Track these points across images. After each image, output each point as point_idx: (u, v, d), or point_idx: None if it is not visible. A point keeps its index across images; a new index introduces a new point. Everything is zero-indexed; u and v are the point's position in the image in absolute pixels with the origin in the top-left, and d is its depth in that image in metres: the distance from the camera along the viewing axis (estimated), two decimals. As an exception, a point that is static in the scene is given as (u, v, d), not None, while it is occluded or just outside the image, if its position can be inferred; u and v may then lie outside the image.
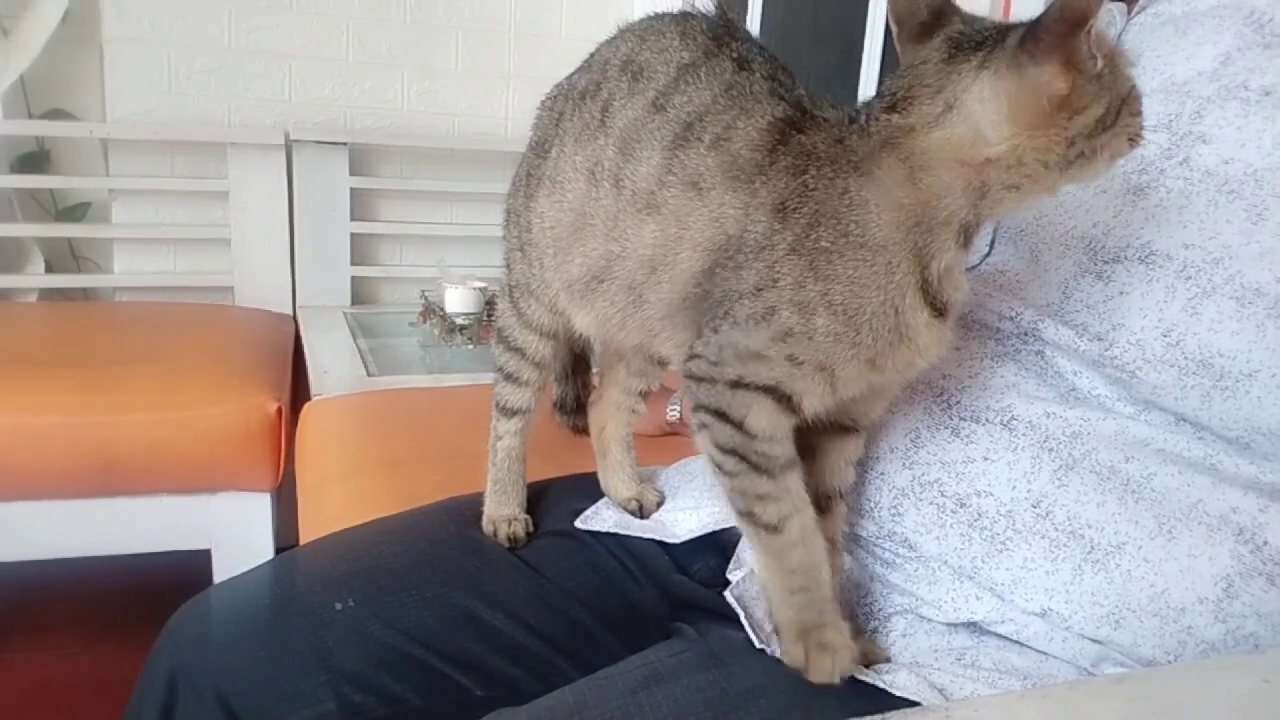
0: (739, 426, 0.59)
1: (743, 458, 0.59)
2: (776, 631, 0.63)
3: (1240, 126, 0.59)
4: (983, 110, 0.51)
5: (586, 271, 0.68)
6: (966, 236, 0.55)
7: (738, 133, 0.60)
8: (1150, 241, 0.58)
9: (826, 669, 0.58)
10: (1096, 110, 0.50)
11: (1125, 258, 0.61)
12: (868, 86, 1.68)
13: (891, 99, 0.54)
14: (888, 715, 0.55)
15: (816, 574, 0.60)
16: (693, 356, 0.61)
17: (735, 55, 0.63)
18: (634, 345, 0.70)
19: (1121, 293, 0.61)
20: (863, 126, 0.56)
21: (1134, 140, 0.53)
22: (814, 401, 0.59)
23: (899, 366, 0.58)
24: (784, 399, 0.58)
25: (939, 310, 0.56)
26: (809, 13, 2.09)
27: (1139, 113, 0.53)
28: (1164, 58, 0.65)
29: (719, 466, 0.61)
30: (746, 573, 0.69)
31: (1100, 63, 0.50)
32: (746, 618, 0.66)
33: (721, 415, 0.59)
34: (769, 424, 0.59)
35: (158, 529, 1.54)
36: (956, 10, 0.55)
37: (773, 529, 0.60)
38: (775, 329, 0.57)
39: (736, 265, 0.59)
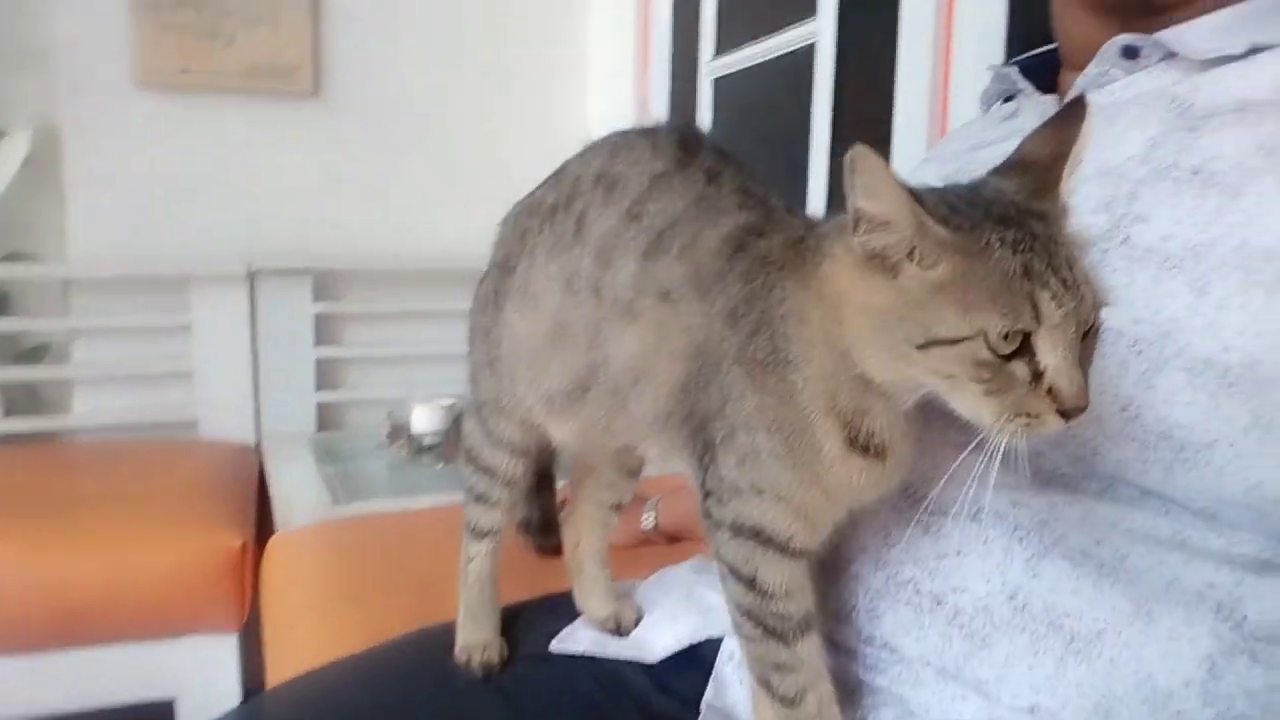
0: (751, 585, 0.59)
1: (758, 622, 0.59)
2: None
3: (1174, 205, 0.60)
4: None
5: (569, 382, 0.67)
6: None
7: (701, 241, 0.61)
8: (1100, 318, 0.60)
9: None
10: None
11: None
12: (815, 202, 1.71)
13: None
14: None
15: None
16: (707, 494, 0.61)
17: (706, 167, 0.65)
18: (618, 448, 0.70)
19: None
20: (817, 231, 0.57)
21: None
22: (801, 540, 0.59)
23: (846, 496, 0.57)
24: (778, 545, 0.58)
25: (864, 448, 0.55)
26: (758, 124, 2.17)
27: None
28: (1096, 144, 0.67)
29: (738, 627, 0.61)
30: (704, 710, 0.68)
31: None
32: None
33: (734, 572, 0.60)
34: (779, 577, 0.59)
35: (119, 680, 1.47)
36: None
37: (789, 702, 0.59)
38: (736, 452, 0.57)
39: (705, 381, 0.59)
